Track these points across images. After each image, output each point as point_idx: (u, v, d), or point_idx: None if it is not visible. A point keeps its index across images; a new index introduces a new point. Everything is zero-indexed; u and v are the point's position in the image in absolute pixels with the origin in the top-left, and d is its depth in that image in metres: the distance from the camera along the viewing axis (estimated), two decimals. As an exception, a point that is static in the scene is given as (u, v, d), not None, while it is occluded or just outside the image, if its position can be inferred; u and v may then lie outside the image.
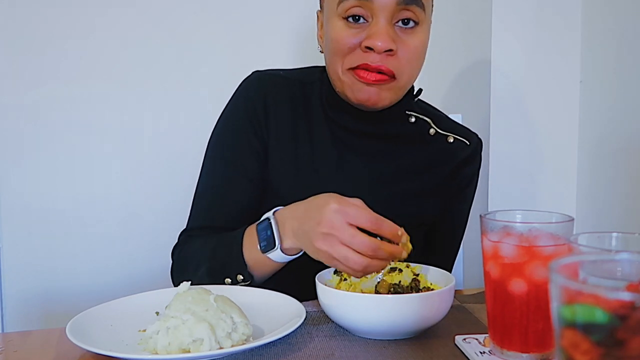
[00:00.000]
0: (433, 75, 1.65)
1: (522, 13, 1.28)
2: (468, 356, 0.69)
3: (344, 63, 0.93)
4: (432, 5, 0.98)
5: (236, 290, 0.84)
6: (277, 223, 0.86)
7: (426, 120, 1.07)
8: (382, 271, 0.86)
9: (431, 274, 0.85)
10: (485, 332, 0.72)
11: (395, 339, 0.74)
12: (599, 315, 0.36)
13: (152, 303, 0.82)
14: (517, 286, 0.65)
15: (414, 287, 0.84)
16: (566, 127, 1.30)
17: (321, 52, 1.02)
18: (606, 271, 0.44)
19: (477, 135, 1.10)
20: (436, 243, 1.10)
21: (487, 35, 1.30)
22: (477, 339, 0.72)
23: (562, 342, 0.39)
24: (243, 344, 0.69)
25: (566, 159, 1.31)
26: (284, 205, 0.90)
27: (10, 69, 1.48)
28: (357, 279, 0.86)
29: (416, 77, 0.97)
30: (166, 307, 0.72)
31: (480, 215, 0.68)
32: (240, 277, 0.90)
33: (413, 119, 1.06)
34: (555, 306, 0.39)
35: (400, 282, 0.86)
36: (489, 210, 1.22)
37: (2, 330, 1.43)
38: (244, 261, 0.89)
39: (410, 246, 0.78)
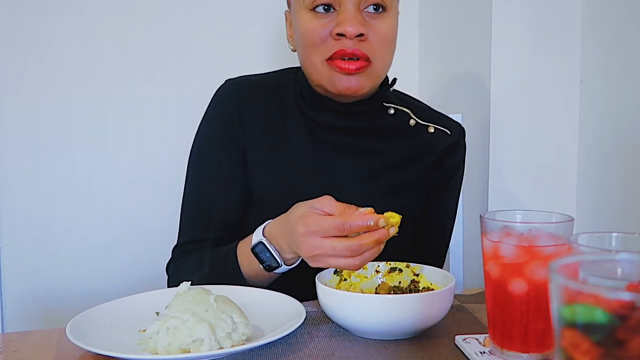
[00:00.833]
0: (433, 75, 1.65)
1: (522, 13, 1.28)
2: (468, 356, 0.69)
3: (319, 55, 0.93)
4: None
5: (236, 290, 0.84)
6: (271, 243, 0.87)
7: (405, 111, 1.07)
8: (382, 271, 0.87)
9: (431, 274, 0.85)
10: (485, 332, 0.72)
11: (395, 339, 0.74)
12: (599, 315, 0.36)
13: (152, 303, 0.82)
14: (517, 286, 0.65)
15: (413, 289, 0.84)
16: (566, 127, 1.30)
17: (293, 50, 1.02)
18: (606, 271, 0.44)
19: (459, 124, 1.09)
20: (425, 237, 1.09)
21: (487, 35, 1.30)
22: (477, 339, 0.72)
23: (562, 342, 0.39)
24: (243, 344, 0.69)
25: (566, 159, 1.31)
26: (268, 210, 0.92)
27: (12, 72, 1.48)
28: (357, 279, 0.86)
29: (389, 64, 0.97)
30: (166, 307, 0.72)
31: (480, 215, 0.68)
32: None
33: (392, 111, 1.05)
34: (555, 306, 0.39)
35: (400, 282, 0.86)
36: (489, 210, 1.22)
37: (2, 330, 1.43)
38: (244, 277, 0.91)
39: (393, 221, 0.77)
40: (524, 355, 0.66)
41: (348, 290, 0.83)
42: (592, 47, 1.25)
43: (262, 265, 0.88)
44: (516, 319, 0.65)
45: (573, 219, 0.65)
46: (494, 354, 0.68)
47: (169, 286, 1.03)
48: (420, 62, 1.71)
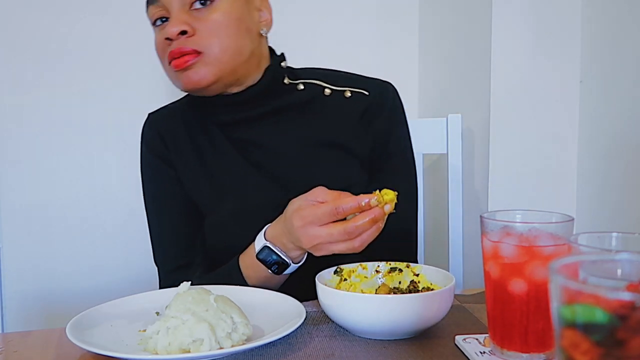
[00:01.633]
0: (433, 75, 1.65)
1: (522, 13, 1.28)
2: (468, 356, 0.69)
3: (164, 63, 0.98)
4: None
5: (236, 290, 0.84)
6: (275, 245, 0.88)
7: (316, 83, 1.06)
8: (383, 271, 0.87)
9: (431, 274, 0.85)
10: (485, 332, 0.72)
11: (395, 339, 0.74)
12: (599, 315, 0.36)
13: (152, 303, 0.82)
14: (517, 286, 0.65)
15: (412, 289, 0.84)
16: (566, 127, 1.30)
17: None
18: (606, 271, 0.44)
19: (383, 82, 1.07)
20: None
21: (487, 35, 1.30)
22: (477, 339, 0.72)
23: (562, 342, 0.39)
24: (243, 344, 0.69)
25: (566, 159, 1.31)
26: (218, 222, 0.99)
27: (10, 69, 1.48)
28: (357, 279, 0.86)
29: (233, 47, 0.96)
30: (166, 307, 0.72)
31: (481, 216, 0.68)
32: None
33: (301, 86, 1.06)
34: (555, 306, 0.39)
35: (400, 282, 0.86)
36: (489, 210, 1.22)
37: (2, 330, 1.43)
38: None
39: (387, 198, 0.78)
40: (524, 355, 0.66)
41: (348, 290, 0.83)
42: (592, 47, 1.25)
43: (271, 269, 0.88)
44: (516, 319, 0.65)
45: (573, 219, 0.65)
46: (494, 354, 0.68)
47: None
48: (420, 62, 1.71)
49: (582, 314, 0.37)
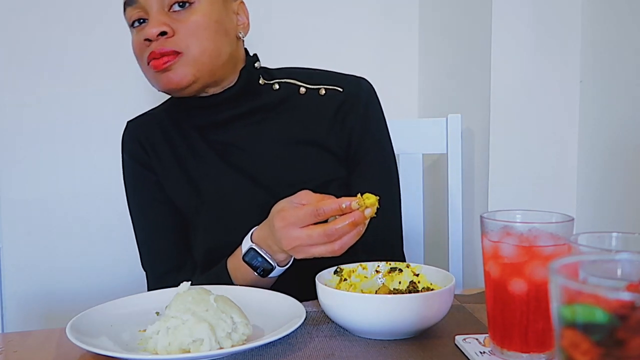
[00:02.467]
0: (433, 75, 1.65)
1: (522, 13, 1.28)
2: (468, 356, 0.69)
3: (143, 64, 0.98)
4: None
5: (236, 290, 0.84)
6: (261, 247, 0.88)
7: (291, 82, 1.07)
8: (382, 271, 0.87)
9: (431, 274, 0.85)
10: (485, 332, 0.72)
11: (395, 339, 0.74)
12: (599, 315, 0.36)
13: (152, 303, 0.82)
14: (517, 286, 0.65)
15: (412, 290, 0.84)
16: (566, 127, 1.30)
17: None
18: (606, 271, 0.44)
19: (357, 79, 1.07)
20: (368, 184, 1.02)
21: (487, 35, 1.30)
22: (477, 339, 0.72)
23: (562, 342, 0.39)
24: (243, 344, 0.69)
25: (566, 158, 1.31)
26: (201, 226, 1.00)
27: (11, 68, 1.48)
28: (357, 279, 0.86)
29: (211, 49, 0.97)
30: (166, 307, 0.72)
31: (481, 215, 0.68)
32: None
33: (277, 86, 1.07)
34: (555, 306, 0.39)
35: (400, 282, 0.86)
36: (489, 210, 1.22)
37: (2, 330, 1.43)
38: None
39: (368, 202, 0.78)
40: (524, 355, 0.66)
41: (348, 290, 0.83)
42: (592, 47, 1.25)
43: (257, 272, 0.89)
44: (516, 319, 0.65)
45: (573, 219, 0.65)
46: (494, 354, 0.68)
47: None
48: (420, 62, 1.71)
49: (582, 314, 0.37)
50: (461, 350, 0.71)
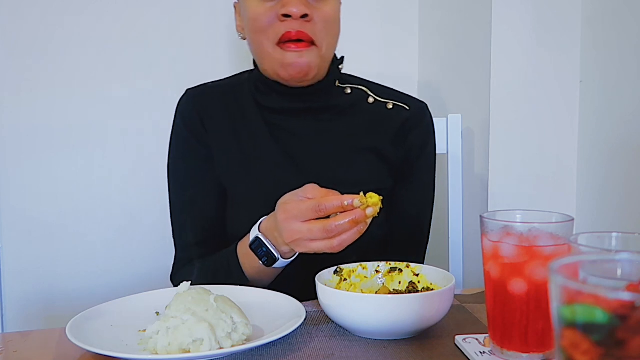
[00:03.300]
0: (433, 75, 1.65)
1: (522, 13, 1.28)
2: (468, 356, 0.69)
3: (269, 39, 0.97)
4: None
5: (236, 290, 0.84)
6: (266, 238, 0.89)
7: (363, 89, 1.10)
8: (382, 271, 0.87)
9: (431, 274, 0.85)
10: (485, 332, 0.72)
11: (395, 339, 0.74)
12: (599, 315, 0.36)
13: (152, 303, 0.82)
14: (517, 286, 0.65)
15: (412, 290, 0.84)
16: (566, 127, 1.30)
17: (243, 39, 1.06)
18: (606, 271, 0.44)
19: (421, 102, 1.12)
20: (400, 222, 1.09)
21: (487, 35, 1.30)
22: (477, 339, 0.72)
23: (562, 342, 0.39)
24: (243, 344, 0.69)
25: (566, 159, 1.31)
26: (241, 205, 1.00)
27: (11, 73, 1.48)
28: (357, 280, 0.86)
29: (334, 46, 1.02)
30: (166, 307, 0.72)
31: (481, 216, 0.68)
32: None
33: (349, 90, 1.09)
34: (555, 306, 0.39)
35: (400, 282, 0.86)
36: (489, 210, 1.22)
37: (2, 330, 1.43)
38: (247, 278, 0.93)
39: (371, 202, 0.78)
40: (524, 355, 0.66)
41: (348, 291, 0.83)
42: (592, 47, 1.25)
43: (261, 261, 0.89)
44: (516, 319, 0.65)
45: (573, 219, 0.65)
46: (494, 354, 0.68)
47: None
48: (420, 62, 1.71)
49: (582, 314, 0.37)
50: (461, 350, 0.71)
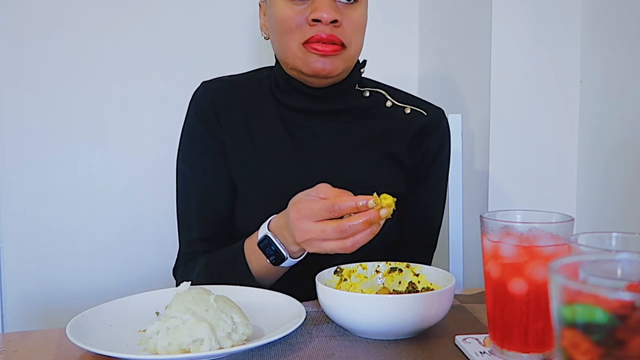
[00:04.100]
0: (433, 75, 1.65)
1: (522, 13, 1.28)
2: (468, 356, 0.69)
3: (296, 39, 0.97)
4: None
5: (236, 290, 0.84)
6: (275, 236, 0.88)
7: (381, 93, 1.11)
8: (382, 271, 0.87)
9: (431, 273, 0.85)
10: (485, 332, 0.72)
11: (395, 339, 0.74)
12: (599, 315, 0.36)
13: (152, 303, 0.82)
14: (517, 286, 0.65)
15: (411, 290, 0.84)
16: (566, 127, 1.30)
17: (266, 39, 1.06)
18: (606, 271, 0.44)
19: (438, 108, 1.12)
20: (412, 224, 1.09)
21: (487, 35, 1.30)
22: (477, 339, 0.72)
23: (562, 342, 0.39)
24: (243, 344, 0.69)
25: (566, 158, 1.31)
26: (252, 202, 0.99)
27: (11, 73, 1.48)
28: (357, 280, 0.86)
29: (360, 50, 1.03)
30: (166, 307, 0.72)
31: (481, 216, 0.68)
32: None
33: (367, 93, 1.10)
34: (555, 306, 0.39)
35: (400, 282, 0.86)
36: (489, 210, 1.22)
37: (2, 330, 1.43)
38: (253, 276, 0.92)
39: (385, 203, 0.78)
40: (524, 355, 0.66)
41: (348, 291, 0.83)
42: (592, 47, 1.25)
43: (269, 259, 0.89)
44: (516, 319, 0.65)
45: (573, 219, 0.65)
46: (494, 354, 0.68)
47: None
48: (420, 62, 1.71)
49: (582, 314, 0.37)
50: (461, 350, 0.71)
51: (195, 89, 1.10)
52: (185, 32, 1.57)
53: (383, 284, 0.87)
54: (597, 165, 1.25)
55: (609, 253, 0.52)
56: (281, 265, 0.89)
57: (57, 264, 1.54)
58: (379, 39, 1.68)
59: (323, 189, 0.82)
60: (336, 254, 0.82)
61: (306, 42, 0.96)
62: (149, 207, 1.57)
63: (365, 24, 1.01)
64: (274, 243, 0.88)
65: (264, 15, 1.06)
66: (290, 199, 0.85)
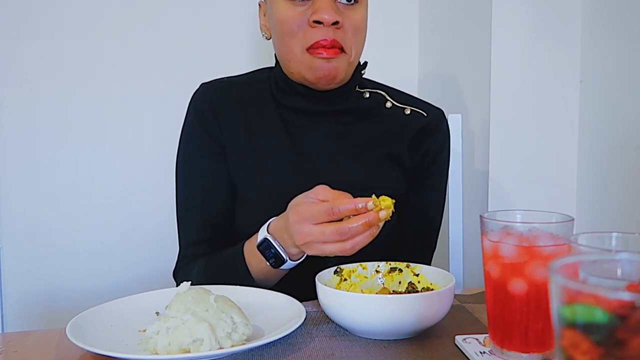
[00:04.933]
0: (433, 75, 1.65)
1: (522, 13, 1.28)
2: (468, 356, 0.69)
3: (298, 43, 0.96)
4: None
5: (236, 290, 0.84)
6: (275, 239, 0.88)
7: (381, 94, 1.11)
8: (382, 271, 0.87)
9: (431, 273, 0.85)
10: (485, 332, 0.72)
11: (395, 339, 0.74)
12: (599, 315, 0.36)
13: (152, 303, 0.82)
14: (517, 286, 0.65)
15: (411, 290, 0.84)
16: (566, 127, 1.30)
17: (267, 39, 1.06)
18: (606, 271, 0.44)
19: (438, 109, 1.12)
20: (412, 225, 1.09)
21: (487, 35, 1.30)
22: (477, 339, 0.72)
23: (562, 342, 0.39)
24: (243, 344, 0.69)
25: (566, 158, 1.31)
26: (252, 203, 0.99)
27: (11, 73, 1.48)
28: (357, 280, 0.86)
29: (361, 52, 1.02)
30: (166, 307, 0.72)
31: (480, 215, 0.68)
32: None
33: (367, 94, 1.10)
34: (555, 306, 0.39)
35: (400, 282, 0.86)
36: (489, 210, 1.22)
37: (2, 330, 1.43)
38: (252, 278, 0.92)
39: (384, 204, 0.78)
40: (524, 355, 0.66)
41: (348, 291, 0.83)
42: (592, 47, 1.25)
43: (269, 262, 0.89)
44: (516, 319, 0.65)
45: (573, 219, 0.65)
46: (494, 354, 0.68)
47: None
48: (420, 62, 1.71)
49: (582, 314, 0.37)
50: (461, 350, 0.71)
51: (194, 90, 1.10)
52: (185, 32, 1.57)
53: (383, 284, 0.87)
54: (597, 165, 1.25)
55: (609, 253, 0.52)
56: (281, 267, 0.89)
57: (57, 264, 1.54)
58: (379, 39, 1.68)
59: (322, 191, 0.82)
60: (340, 256, 0.81)
61: (310, 48, 0.95)
62: (149, 207, 1.57)
63: (366, 25, 1.01)
64: (273, 246, 0.88)
65: (264, 15, 1.06)
66: (289, 199, 0.85)
